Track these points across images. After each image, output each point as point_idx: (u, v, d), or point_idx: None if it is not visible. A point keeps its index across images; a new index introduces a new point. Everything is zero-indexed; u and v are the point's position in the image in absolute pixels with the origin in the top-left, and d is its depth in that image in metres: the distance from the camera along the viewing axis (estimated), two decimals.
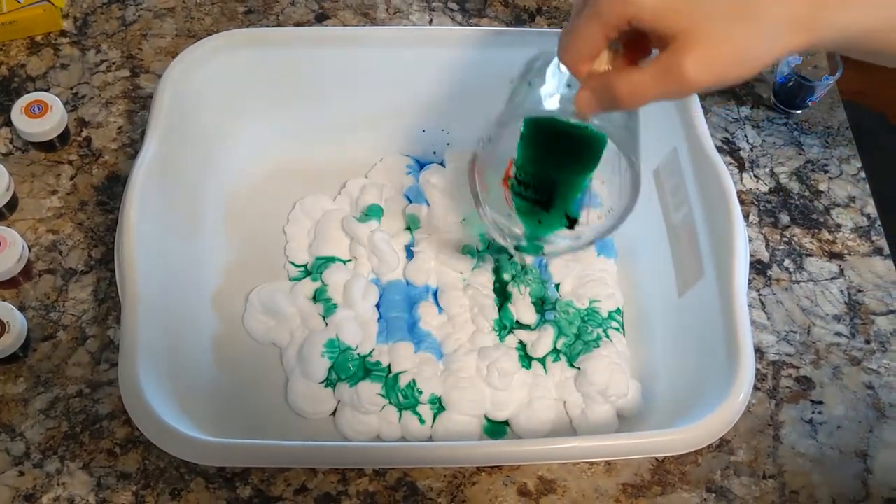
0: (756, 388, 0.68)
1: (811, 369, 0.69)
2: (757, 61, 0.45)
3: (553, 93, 0.49)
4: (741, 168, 0.79)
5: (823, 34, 0.45)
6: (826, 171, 0.79)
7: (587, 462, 0.64)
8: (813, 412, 0.67)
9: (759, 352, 0.69)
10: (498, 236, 0.60)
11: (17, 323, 0.63)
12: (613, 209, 0.54)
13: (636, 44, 0.46)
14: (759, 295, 0.72)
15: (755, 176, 0.79)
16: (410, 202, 0.73)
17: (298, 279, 0.69)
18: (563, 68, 0.47)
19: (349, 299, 0.66)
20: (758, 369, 0.69)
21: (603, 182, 0.56)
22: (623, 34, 0.45)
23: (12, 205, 0.71)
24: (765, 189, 0.78)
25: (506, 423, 0.65)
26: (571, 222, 0.58)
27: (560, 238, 0.59)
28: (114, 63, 0.80)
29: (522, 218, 0.59)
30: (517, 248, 0.60)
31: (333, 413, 0.65)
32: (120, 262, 0.57)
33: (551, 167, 0.55)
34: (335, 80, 0.70)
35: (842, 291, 0.73)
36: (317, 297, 0.68)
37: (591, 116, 0.47)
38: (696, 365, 0.62)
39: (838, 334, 0.71)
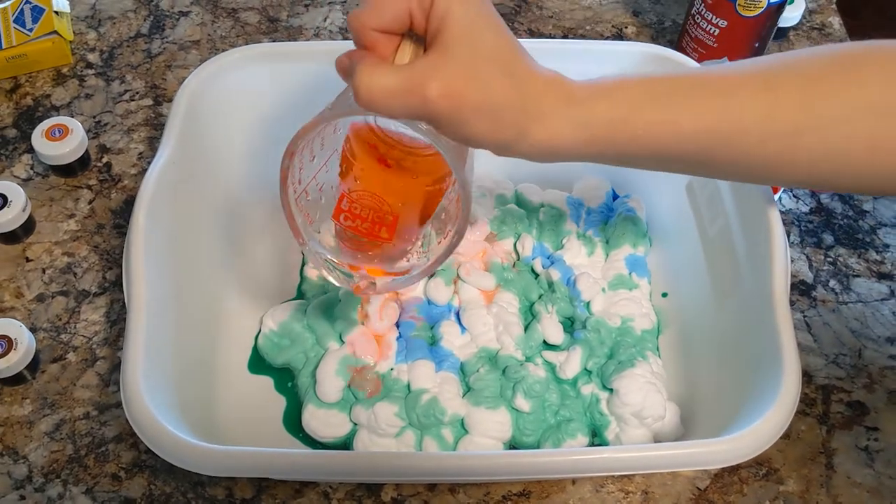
0: (805, 414, 0.63)
1: (864, 394, 0.64)
2: (513, 126, 0.41)
3: None
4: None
5: (581, 114, 0.42)
6: None
7: (623, 492, 0.59)
8: (868, 439, 0.62)
9: (807, 375, 0.65)
10: (329, 274, 0.52)
11: (25, 340, 0.61)
12: (450, 232, 0.48)
13: None
14: (805, 316, 0.68)
15: (794, 196, 0.75)
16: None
17: (315, 297, 0.66)
18: None
19: (367, 317, 0.63)
20: (806, 393, 0.64)
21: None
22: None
23: (29, 227, 0.70)
24: (805, 209, 0.74)
25: (534, 448, 0.60)
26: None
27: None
28: (137, 93, 0.80)
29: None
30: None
31: (349, 440, 0.61)
32: (127, 273, 0.55)
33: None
34: None
35: (894, 313, 0.68)
36: (333, 315, 0.65)
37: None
38: (739, 384, 0.57)
39: (892, 357, 0.66)
